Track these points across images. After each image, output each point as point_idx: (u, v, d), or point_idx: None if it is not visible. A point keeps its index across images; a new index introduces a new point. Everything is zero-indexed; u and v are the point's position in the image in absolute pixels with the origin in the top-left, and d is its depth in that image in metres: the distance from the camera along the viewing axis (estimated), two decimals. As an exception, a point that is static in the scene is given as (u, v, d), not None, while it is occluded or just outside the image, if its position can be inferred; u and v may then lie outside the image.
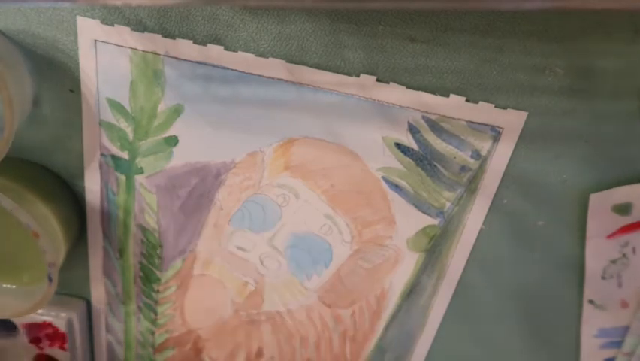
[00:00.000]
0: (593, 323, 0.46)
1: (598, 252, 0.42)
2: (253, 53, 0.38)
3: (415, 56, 0.37)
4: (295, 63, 0.38)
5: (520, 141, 0.39)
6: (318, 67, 0.38)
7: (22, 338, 0.53)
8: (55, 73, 0.40)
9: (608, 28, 0.34)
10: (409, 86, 0.38)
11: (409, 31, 0.36)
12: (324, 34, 0.37)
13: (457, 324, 0.49)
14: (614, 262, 0.43)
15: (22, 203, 0.40)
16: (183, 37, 0.38)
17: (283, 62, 0.38)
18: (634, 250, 0.42)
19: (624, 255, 0.42)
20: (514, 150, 0.39)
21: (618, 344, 0.47)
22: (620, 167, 0.39)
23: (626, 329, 0.46)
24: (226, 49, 0.38)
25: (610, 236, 0.42)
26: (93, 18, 0.38)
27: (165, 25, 0.37)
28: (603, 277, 0.43)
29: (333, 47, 0.37)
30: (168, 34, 0.38)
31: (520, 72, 0.36)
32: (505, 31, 0.35)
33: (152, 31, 0.38)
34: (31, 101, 0.40)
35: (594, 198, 0.40)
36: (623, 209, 0.40)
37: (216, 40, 0.38)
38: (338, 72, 0.38)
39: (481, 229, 0.43)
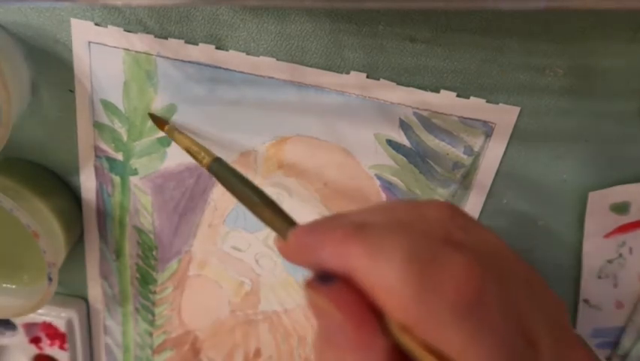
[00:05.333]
0: (587, 323, 0.45)
1: (595, 251, 0.41)
2: (253, 53, 0.37)
3: (415, 55, 0.36)
4: (295, 63, 0.37)
5: (518, 140, 0.38)
6: (317, 67, 0.37)
7: (22, 338, 0.52)
8: (54, 73, 0.39)
9: (608, 28, 0.33)
10: (408, 86, 0.37)
11: (409, 31, 0.35)
12: (324, 34, 0.36)
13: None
14: (610, 261, 0.42)
15: (22, 203, 0.39)
16: (183, 38, 0.37)
17: (280, 61, 0.37)
18: (630, 250, 0.41)
19: (620, 255, 0.41)
20: (513, 148, 0.38)
21: (612, 345, 0.46)
22: (619, 167, 0.39)
23: (620, 330, 0.45)
24: (225, 49, 0.37)
25: (607, 235, 0.41)
26: (91, 19, 0.37)
27: (165, 25, 0.36)
28: (599, 277, 0.42)
29: (333, 47, 0.36)
30: (167, 35, 0.37)
31: (520, 72, 0.35)
32: (505, 31, 0.34)
33: (151, 31, 0.37)
34: (30, 90, 0.40)
35: (592, 196, 0.39)
36: (621, 208, 0.39)
37: (216, 41, 0.37)
38: (338, 72, 0.37)
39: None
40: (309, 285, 0.23)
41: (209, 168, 0.34)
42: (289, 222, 0.27)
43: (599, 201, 0.39)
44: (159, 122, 0.39)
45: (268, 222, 0.28)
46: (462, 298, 0.20)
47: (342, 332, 0.22)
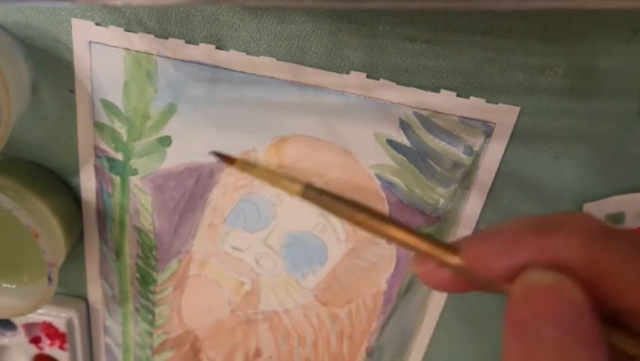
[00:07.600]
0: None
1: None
2: (253, 53, 0.37)
3: (415, 55, 0.35)
4: (295, 63, 0.37)
5: (518, 139, 0.38)
6: (317, 67, 0.37)
7: (22, 338, 0.52)
8: (55, 73, 0.39)
9: (608, 28, 0.33)
10: (408, 85, 0.36)
11: (409, 31, 0.35)
12: (324, 34, 0.35)
13: (455, 322, 0.47)
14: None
15: (22, 202, 0.39)
16: (183, 38, 0.37)
17: (280, 61, 0.37)
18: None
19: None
20: (513, 148, 0.38)
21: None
22: (620, 167, 0.38)
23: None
24: (225, 49, 0.37)
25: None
26: (91, 19, 0.37)
27: (165, 25, 0.36)
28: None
29: (333, 47, 0.36)
30: (168, 35, 0.37)
31: (520, 72, 0.35)
32: (505, 31, 0.34)
33: (151, 31, 0.37)
34: (30, 90, 0.39)
35: (588, 207, 0.39)
36: (616, 219, 0.39)
37: (216, 41, 0.36)
38: (338, 72, 0.37)
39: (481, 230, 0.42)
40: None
41: (305, 197, 0.30)
42: (430, 240, 0.23)
43: (595, 211, 0.39)
44: (226, 159, 0.37)
45: (398, 242, 0.24)
46: None
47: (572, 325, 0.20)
